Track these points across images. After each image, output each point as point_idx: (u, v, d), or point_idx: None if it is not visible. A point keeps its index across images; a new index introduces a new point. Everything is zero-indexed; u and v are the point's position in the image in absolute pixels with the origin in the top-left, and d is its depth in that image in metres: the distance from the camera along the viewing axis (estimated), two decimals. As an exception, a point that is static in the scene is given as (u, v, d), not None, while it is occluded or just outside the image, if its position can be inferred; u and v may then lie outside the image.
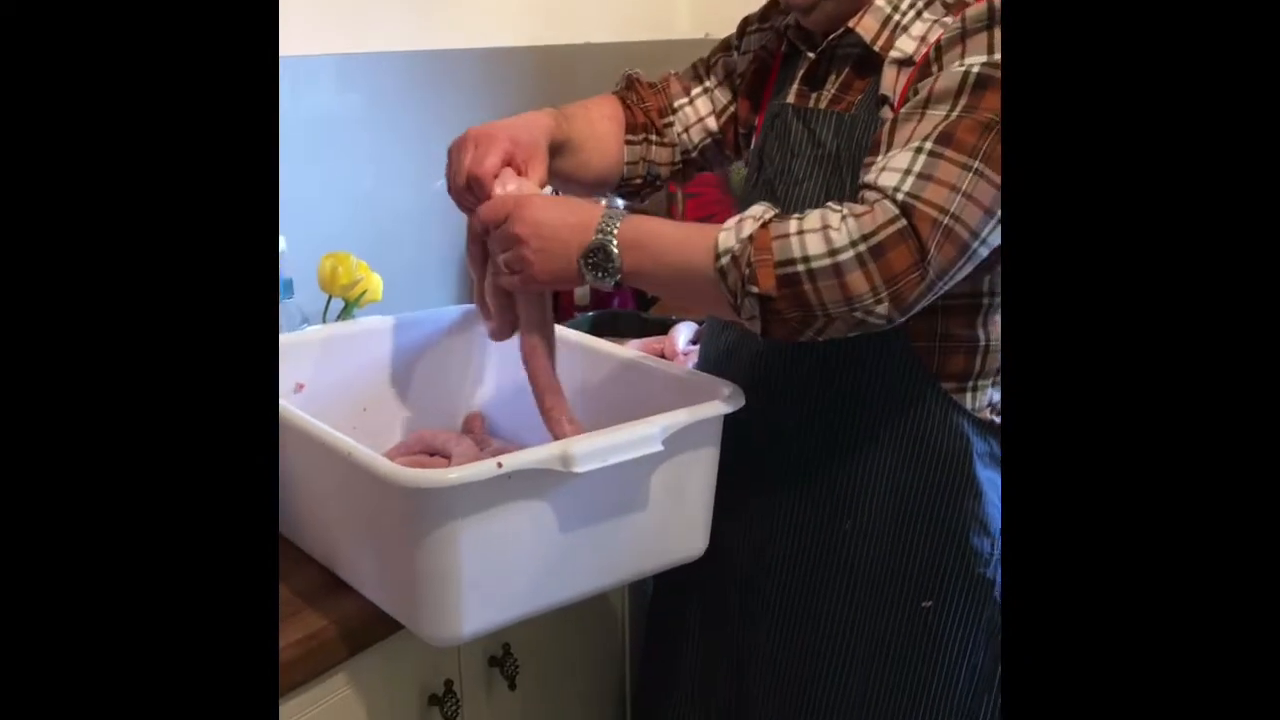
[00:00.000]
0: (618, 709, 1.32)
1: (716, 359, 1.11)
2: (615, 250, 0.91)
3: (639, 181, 1.17)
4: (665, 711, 1.20)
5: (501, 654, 1.10)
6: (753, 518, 1.07)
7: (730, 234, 0.88)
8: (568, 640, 1.22)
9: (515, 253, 0.94)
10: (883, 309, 0.84)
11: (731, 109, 1.15)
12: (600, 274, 0.91)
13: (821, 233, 0.84)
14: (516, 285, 0.97)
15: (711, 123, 1.16)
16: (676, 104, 1.16)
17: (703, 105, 1.16)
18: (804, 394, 1.03)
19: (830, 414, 1.02)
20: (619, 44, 2.02)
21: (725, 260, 0.87)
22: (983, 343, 0.99)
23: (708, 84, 1.16)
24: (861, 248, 0.83)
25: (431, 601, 0.88)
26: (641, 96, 1.16)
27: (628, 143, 1.14)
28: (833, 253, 0.84)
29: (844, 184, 0.98)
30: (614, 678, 1.31)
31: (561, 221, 0.93)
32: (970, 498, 1.00)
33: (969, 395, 1.00)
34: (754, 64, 1.12)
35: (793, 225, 0.86)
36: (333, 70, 1.58)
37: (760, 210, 0.89)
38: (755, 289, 0.85)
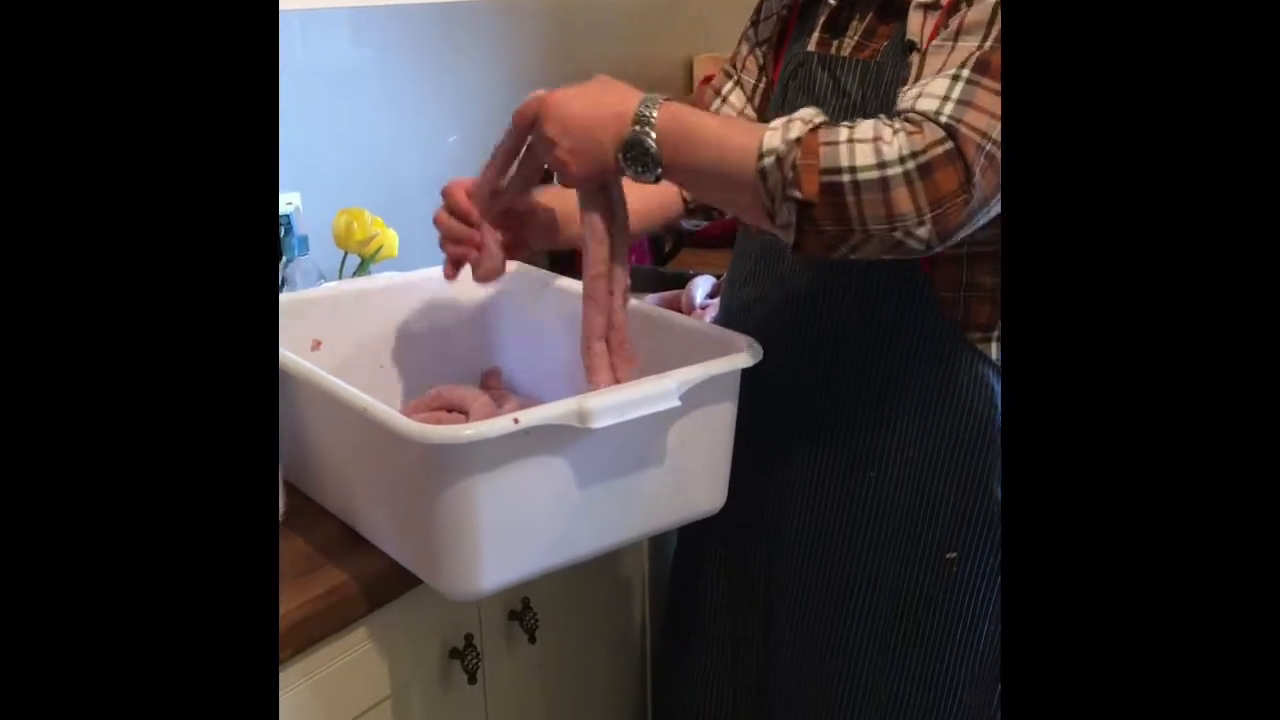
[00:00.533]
0: (638, 661, 1.33)
1: (737, 311, 1.10)
2: (653, 145, 0.87)
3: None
4: (689, 664, 1.20)
5: (521, 608, 1.11)
6: (774, 468, 1.07)
7: (777, 134, 0.84)
8: (588, 593, 1.22)
9: (551, 155, 0.90)
10: (924, 231, 0.81)
11: (762, 83, 1.12)
12: (640, 169, 0.88)
13: (873, 144, 0.81)
14: (564, 185, 0.93)
15: (750, 111, 1.12)
16: (713, 109, 1.13)
17: (736, 99, 1.13)
18: (826, 346, 1.02)
19: (853, 365, 1.01)
20: (634, -6, 2.00)
21: (769, 161, 0.83)
22: None
23: (737, 76, 1.14)
24: (910, 165, 0.80)
25: (450, 557, 0.88)
26: None
27: None
28: (881, 165, 0.80)
29: None
30: (634, 629, 1.32)
31: (593, 117, 0.88)
32: (995, 448, 0.99)
33: (994, 345, 0.99)
34: (777, 25, 1.10)
35: (843, 133, 0.82)
36: (347, 23, 1.56)
37: (810, 113, 0.85)
38: (797, 194, 0.82)
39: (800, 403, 1.04)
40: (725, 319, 1.13)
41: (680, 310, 1.49)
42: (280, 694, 0.89)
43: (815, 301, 1.01)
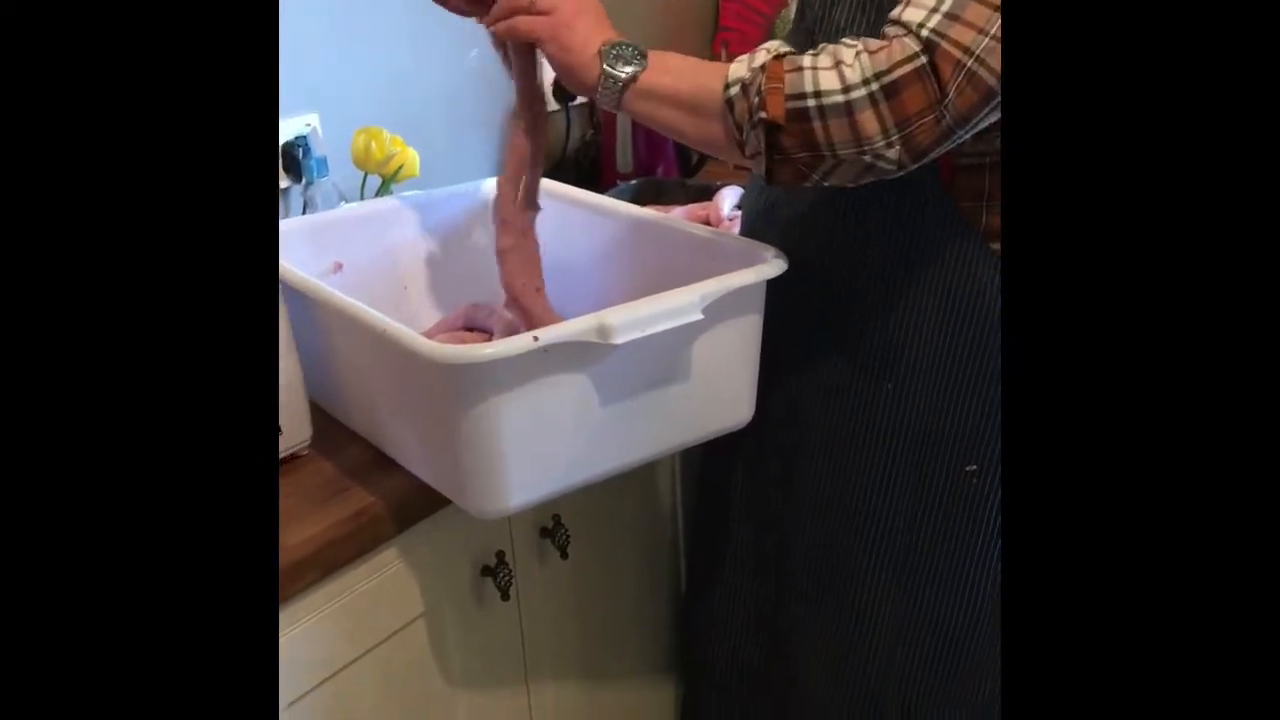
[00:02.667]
0: (671, 574, 1.33)
1: (758, 215, 1.08)
2: (638, 51, 0.89)
3: None
4: (715, 579, 1.21)
5: (552, 525, 1.11)
6: (791, 380, 1.05)
7: (742, 65, 0.85)
8: (619, 509, 1.22)
9: (538, 23, 0.91)
10: (893, 153, 0.81)
11: None
12: (619, 63, 0.88)
13: (835, 69, 0.80)
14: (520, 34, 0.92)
15: None
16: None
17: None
18: (847, 253, 0.99)
19: (873, 274, 0.99)
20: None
21: (735, 90, 0.84)
22: None
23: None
24: (874, 86, 0.79)
25: (476, 476, 0.88)
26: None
27: None
28: (846, 89, 0.80)
29: None
30: (666, 543, 1.32)
31: (591, 9, 0.91)
32: None
33: None
34: None
35: (806, 60, 0.82)
36: (359, -63, 1.53)
37: (775, 45, 0.85)
38: (764, 114, 0.82)
39: (821, 310, 1.02)
40: (747, 226, 1.11)
41: (708, 223, 1.47)
42: (312, 615, 0.90)
43: (834, 208, 0.99)
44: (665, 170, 1.77)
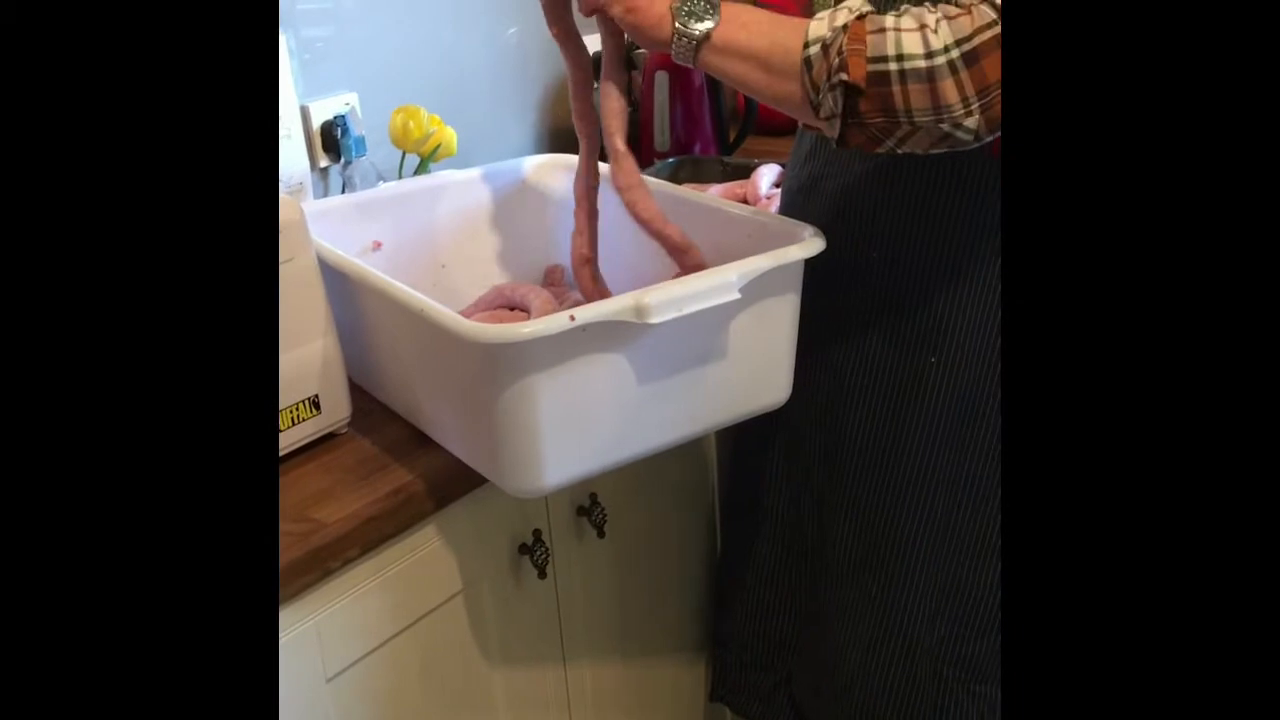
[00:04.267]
0: (708, 552, 1.34)
1: (799, 191, 1.07)
2: (711, 4, 0.86)
3: None
4: (749, 558, 1.21)
5: (589, 503, 1.11)
6: (834, 354, 1.05)
7: (823, 23, 0.82)
8: (656, 488, 1.23)
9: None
10: (971, 122, 0.79)
11: None
12: (691, 19, 0.86)
13: (919, 33, 0.78)
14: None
15: None
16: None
17: None
18: (890, 227, 0.99)
19: (920, 246, 0.98)
20: None
21: (814, 49, 0.82)
22: None
23: None
24: (955, 53, 0.77)
25: (513, 455, 0.88)
26: None
27: None
28: (929, 55, 0.78)
29: None
30: (704, 522, 1.32)
31: None
32: None
33: None
34: None
35: (890, 21, 0.80)
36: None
37: (857, 3, 0.83)
38: (844, 76, 0.80)
39: (863, 286, 1.02)
40: (786, 200, 1.10)
41: (746, 201, 1.46)
42: (352, 590, 0.91)
43: (880, 180, 0.98)
44: (703, 148, 1.76)
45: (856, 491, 1.07)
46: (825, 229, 0.97)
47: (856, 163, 0.99)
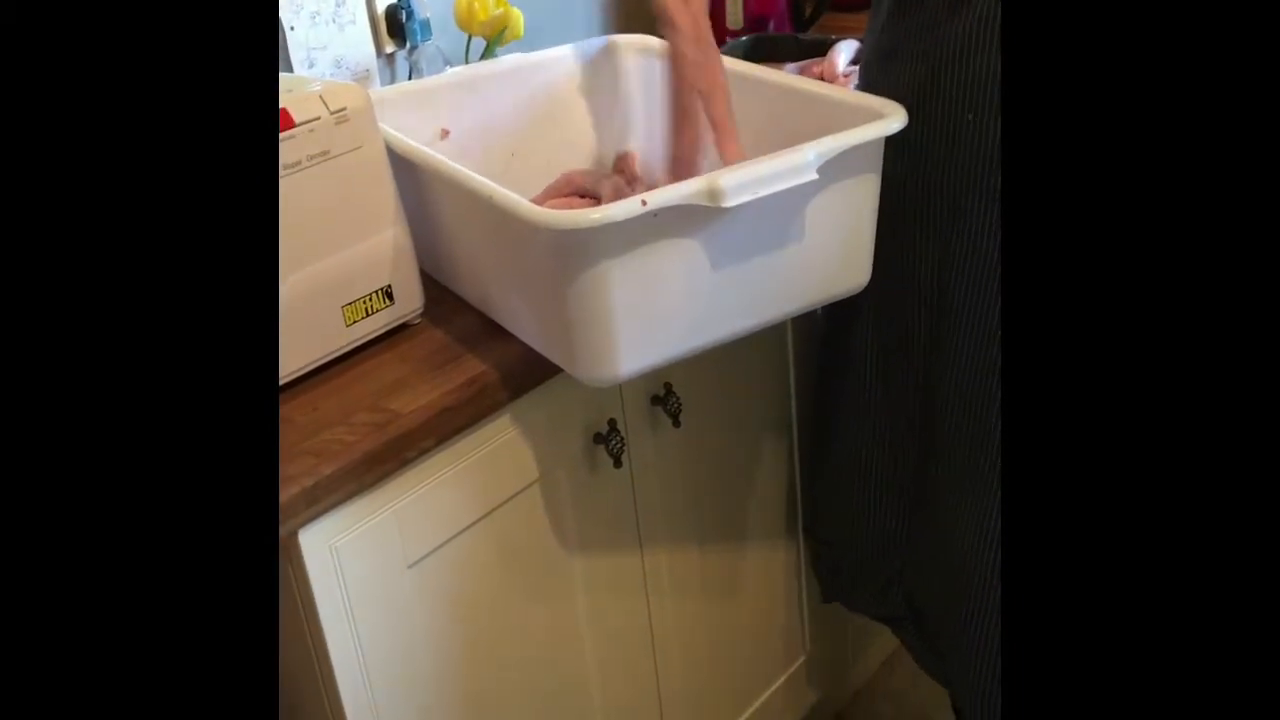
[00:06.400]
0: (786, 441, 1.32)
1: (879, 60, 1.02)
2: None
3: None
4: (849, 445, 1.18)
5: (664, 392, 1.10)
6: (933, 230, 1.01)
7: None
8: (732, 376, 1.21)
9: None
10: None
11: None
12: None
13: None
14: None
15: None
16: None
17: None
18: (979, 91, 0.93)
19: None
20: None
21: None
22: None
23: None
24: None
25: (585, 343, 0.87)
26: None
27: None
28: None
29: None
30: (781, 410, 1.30)
31: None
32: None
33: None
34: None
35: None
36: None
37: None
38: None
39: (957, 154, 0.97)
40: (865, 71, 1.05)
41: (823, 79, 1.41)
42: (430, 480, 0.92)
43: (961, 42, 0.93)
44: (777, 25, 1.70)
45: (965, 379, 1.03)
46: (909, 97, 0.92)
47: (938, 26, 0.94)
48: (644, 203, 0.81)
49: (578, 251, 0.82)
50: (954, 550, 1.10)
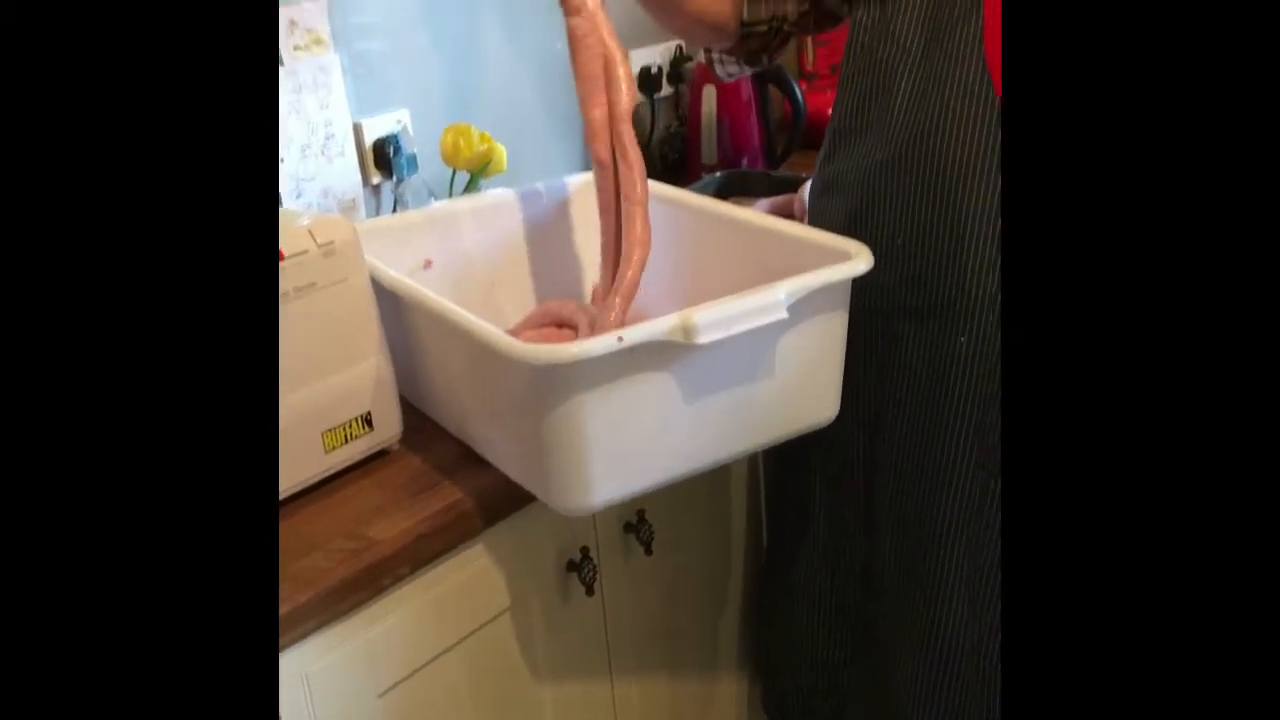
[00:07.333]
0: (757, 569, 1.33)
1: (822, 194, 1.08)
2: None
3: (764, 30, 1.11)
4: (795, 568, 1.20)
5: (636, 520, 1.12)
6: (872, 355, 1.05)
7: None
8: (703, 505, 1.23)
9: None
10: None
11: None
12: None
13: None
14: None
15: None
16: None
17: None
18: (909, 212, 0.99)
19: (935, 230, 0.98)
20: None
21: None
22: None
23: None
24: None
25: (560, 473, 0.89)
26: None
27: None
28: None
29: None
30: (753, 536, 1.32)
31: None
32: None
33: None
34: None
35: None
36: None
37: None
38: None
39: (890, 271, 1.01)
40: (811, 205, 1.11)
41: (793, 215, 1.46)
42: (403, 607, 0.92)
43: (894, 170, 0.98)
44: (750, 162, 1.76)
45: (899, 493, 1.06)
46: (844, 225, 0.97)
47: (871, 153, 1.00)
48: (620, 339, 0.84)
49: (554, 384, 0.85)
50: (892, 682, 1.12)
